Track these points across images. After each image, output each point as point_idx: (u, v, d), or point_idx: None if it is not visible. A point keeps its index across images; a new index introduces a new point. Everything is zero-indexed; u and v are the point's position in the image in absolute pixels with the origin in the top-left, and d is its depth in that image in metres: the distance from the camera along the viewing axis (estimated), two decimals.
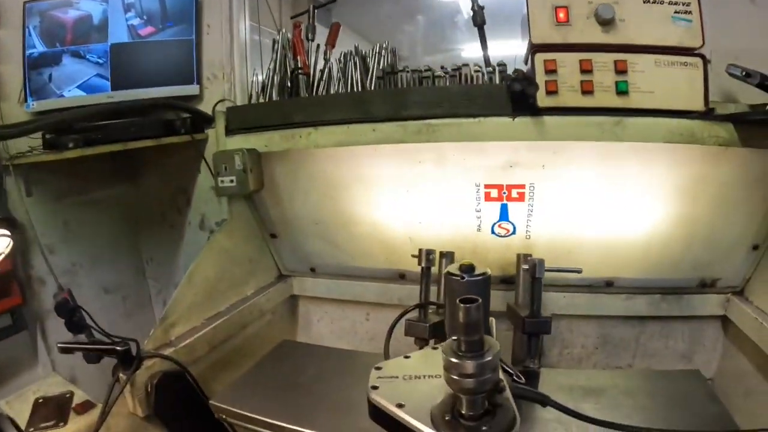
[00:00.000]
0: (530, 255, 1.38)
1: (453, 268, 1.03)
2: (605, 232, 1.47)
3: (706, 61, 1.21)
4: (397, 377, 0.98)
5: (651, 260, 1.51)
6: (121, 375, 1.24)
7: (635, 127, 1.25)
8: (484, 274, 1.02)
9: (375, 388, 0.95)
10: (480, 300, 0.75)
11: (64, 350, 1.27)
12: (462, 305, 0.74)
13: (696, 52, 1.21)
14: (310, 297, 1.93)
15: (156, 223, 2.29)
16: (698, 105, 1.22)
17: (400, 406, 0.89)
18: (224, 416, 1.25)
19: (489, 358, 0.76)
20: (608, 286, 1.59)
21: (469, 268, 1.01)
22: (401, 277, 1.73)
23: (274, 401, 1.24)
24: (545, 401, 1.01)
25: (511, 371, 1.17)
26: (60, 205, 2.02)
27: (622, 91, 1.22)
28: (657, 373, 1.38)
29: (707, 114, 1.23)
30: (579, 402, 1.20)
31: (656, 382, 1.30)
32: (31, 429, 1.44)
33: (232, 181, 1.58)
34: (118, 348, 1.27)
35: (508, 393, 0.90)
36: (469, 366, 0.75)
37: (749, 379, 1.42)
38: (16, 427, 1.49)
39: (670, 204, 1.40)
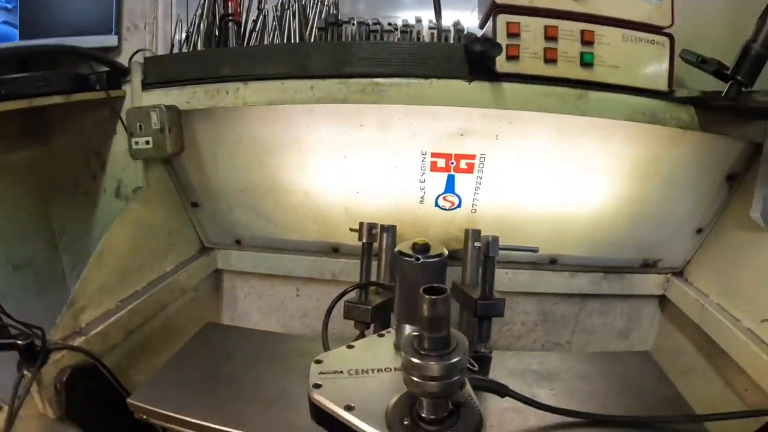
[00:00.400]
0: (479, 230, 1.30)
1: (405, 247, 0.92)
2: (554, 208, 1.42)
3: (673, 42, 1.16)
4: (341, 372, 0.86)
5: (597, 239, 1.49)
6: (25, 372, 1.05)
7: (599, 101, 1.18)
8: (441, 255, 0.91)
9: (317, 386, 0.83)
10: (448, 291, 0.64)
11: None
12: (427, 297, 0.63)
13: (664, 31, 1.16)
14: (235, 272, 1.77)
15: (68, 190, 2.02)
16: (662, 85, 1.18)
17: (349, 408, 0.77)
18: (145, 416, 1.10)
19: (457, 359, 0.65)
20: (552, 263, 1.57)
21: (423, 248, 0.90)
22: (335, 250, 1.62)
23: (200, 397, 1.10)
24: (504, 392, 0.95)
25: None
26: None
27: (587, 62, 1.14)
28: (609, 356, 1.37)
29: (670, 95, 1.19)
30: (534, 388, 1.16)
31: (609, 365, 1.28)
32: None
33: (147, 142, 1.37)
34: (18, 342, 1.05)
35: (469, 388, 0.81)
36: (435, 368, 0.64)
37: (687, 357, 1.45)
38: None
39: (622, 183, 1.37)
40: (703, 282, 1.46)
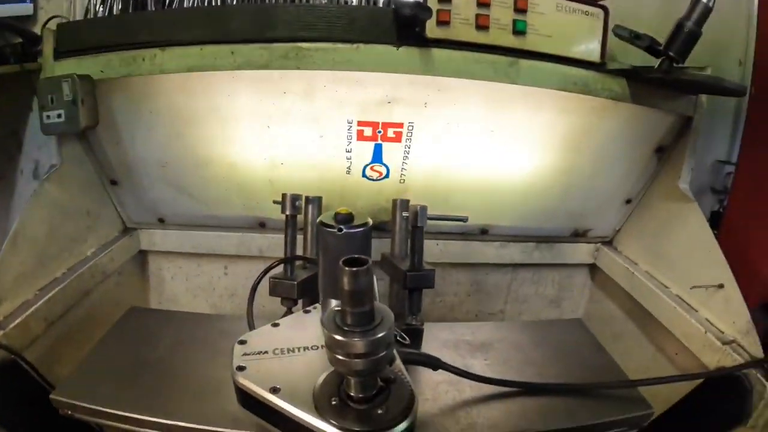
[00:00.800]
0: (407, 200, 1.27)
1: (327, 218, 0.88)
2: (484, 178, 1.42)
3: (607, 14, 1.17)
4: (266, 353, 0.83)
5: (528, 209, 1.52)
6: None
7: (530, 70, 1.17)
8: (365, 224, 0.88)
9: (241, 369, 0.79)
10: (370, 262, 0.61)
11: None
12: (347, 269, 0.59)
13: (599, 3, 1.17)
14: (160, 252, 1.69)
15: None
16: (595, 57, 1.18)
17: (274, 390, 0.74)
18: (69, 412, 1.02)
19: (383, 334, 0.63)
20: (483, 233, 1.58)
21: (346, 218, 0.87)
22: (261, 225, 1.57)
23: (126, 387, 1.03)
24: (437, 365, 0.93)
25: (396, 332, 1.07)
26: None
27: (519, 30, 1.13)
28: (542, 324, 1.39)
29: (602, 66, 1.20)
30: (468, 359, 1.15)
31: (541, 332, 1.29)
32: None
33: (59, 115, 1.24)
34: None
35: (399, 364, 0.79)
36: (359, 345, 0.62)
37: (617, 323, 1.50)
38: None
39: (553, 153, 1.38)
40: (632, 251, 1.51)
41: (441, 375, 1.00)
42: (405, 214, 1.20)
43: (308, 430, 0.70)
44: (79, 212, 1.43)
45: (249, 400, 0.78)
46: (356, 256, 0.62)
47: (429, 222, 1.20)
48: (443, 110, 1.27)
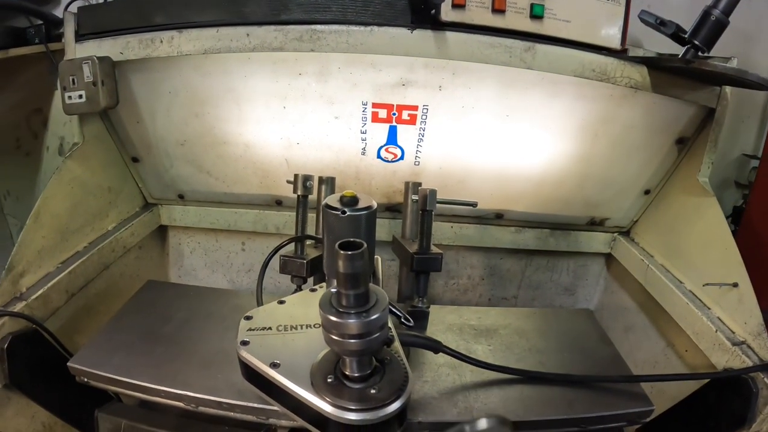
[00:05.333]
0: (420, 183, 1.27)
1: (332, 200, 0.89)
2: (499, 163, 1.41)
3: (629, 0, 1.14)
4: (270, 329, 0.86)
5: (543, 195, 1.50)
6: None
7: (546, 55, 1.16)
8: (369, 207, 0.89)
9: (245, 343, 0.82)
10: (365, 245, 0.62)
11: None
12: (342, 252, 0.60)
13: None
14: (180, 227, 1.73)
15: (10, 151, 1.95)
16: (615, 43, 1.16)
17: (274, 365, 0.77)
18: (85, 379, 1.07)
19: (376, 316, 0.64)
20: (498, 218, 1.57)
21: (351, 201, 0.88)
22: (278, 203, 1.59)
23: (139, 357, 1.07)
24: (438, 348, 0.95)
25: (399, 313, 1.08)
26: None
27: (537, 15, 1.11)
28: (549, 312, 1.36)
29: (622, 53, 1.17)
30: (471, 344, 1.16)
31: (548, 321, 1.29)
32: None
33: (80, 96, 1.29)
34: None
35: (397, 345, 0.81)
36: (353, 326, 0.63)
37: (629, 315, 1.48)
38: None
39: (570, 141, 1.36)
40: (648, 242, 1.48)
41: (443, 358, 1.02)
42: (414, 197, 1.20)
43: (304, 405, 0.72)
44: (101, 188, 1.47)
45: (251, 374, 0.80)
46: (352, 239, 0.63)
47: (443, 205, 1.20)
48: (458, 94, 1.26)
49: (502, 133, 1.34)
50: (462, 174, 1.43)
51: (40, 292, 1.18)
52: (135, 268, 1.59)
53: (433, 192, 1.14)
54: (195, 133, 1.43)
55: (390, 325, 0.82)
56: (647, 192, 1.48)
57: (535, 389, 1.01)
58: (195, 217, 1.67)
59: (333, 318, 0.64)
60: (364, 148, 1.39)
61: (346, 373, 0.72)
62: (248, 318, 0.88)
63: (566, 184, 1.45)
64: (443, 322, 1.22)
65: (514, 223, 1.58)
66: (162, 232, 1.75)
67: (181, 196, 1.64)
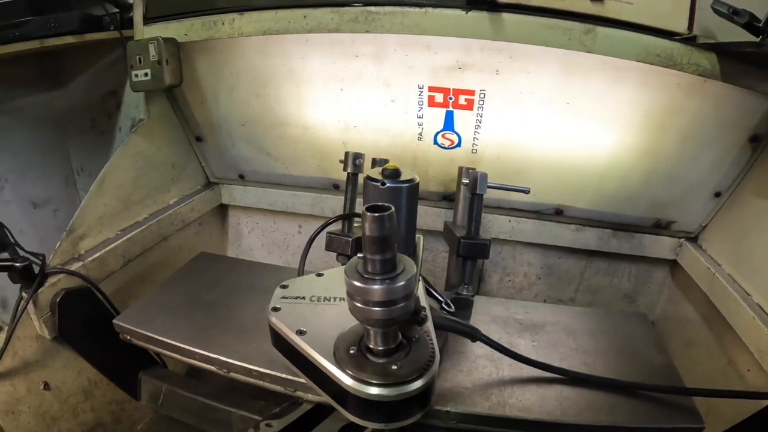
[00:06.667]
0: (473, 168, 1.23)
1: (374, 173, 0.88)
2: (560, 155, 1.34)
3: None
4: (303, 298, 0.85)
5: (606, 192, 1.40)
6: (23, 294, 1.09)
7: (608, 38, 1.10)
8: (410, 180, 0.87)
9: (276, 309, 0.83)
10: (392, 209, 0.60)
11: None
12: (369, 214, 0.59)
13: None
14: (239, 207, 1.78)
15: (85, 130, 2.10)
16: (681, 27, 1.08)
17: (300, 333, 0.77)
18: (128, 337, 1.12)
19: (401, 283, 0.61)
20: (558, 214, 1.49)
21: (393, 173, 0.86)
22: (335, 187, 1.60)
23: (180, 320, 1.11)
24: (475, 335, 0.89)
25: (441, 298, 1.05)
26: None
27: None
28: (602, 313, 1.25)
29: (690, 39, 1.08)
30: (514, 337, 1.09)
31: (600, 322, 1.19)
32: None
33: (146, 74, 1.38)
34: (16, 264, 1.09)
35: (429, 327, 0.77)
36: (377, 292, 0.61)
37: (691, 328, 1.37)
38: None
39: (633, 132, 1.27)
40: (717, 250, 1.35)
41: (482, 349, 0.98)
42: (465, 180, 1.16)
43: (327, 378, 0.71)
44: (165, 164, 1.54)
45: (279, 341, 0.81)
46: (380, 203, 0.61)
47: (502, 197, 1.15)
48: (516, 78, 1.22)
49: (563, 122, 1.28)
50: (520, 164, 1.37)
51: (97, 255, 1.26)
52: (193, 242, 1.65)
53: (484, 175, 1.10)
54: (256, 114, 1.47)
55: (424, 304, 0.80)
56: (718, 194, 1.34)
57: (575, 391, 0.94)
58: (254, 198, 1.71)
59: (357, 283, 0.62)
60: (420, 133, 1.37)
61: (370, 346, 0.70)
62: (284, 287, 0.89)
63: (631, 181, 1.36)
64: (488, 314, 1.17)
65: (574, 220, 1.50)
66: (222, 211, 1.81)
67: (241, 176, 1.68)
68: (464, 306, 1.10)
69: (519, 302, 1.24)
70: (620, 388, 0.95)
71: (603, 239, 1.50)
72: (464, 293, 1.12)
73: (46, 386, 1.18)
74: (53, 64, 1.95)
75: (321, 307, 0.84)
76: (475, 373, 0.97)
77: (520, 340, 1.09)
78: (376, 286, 0.61)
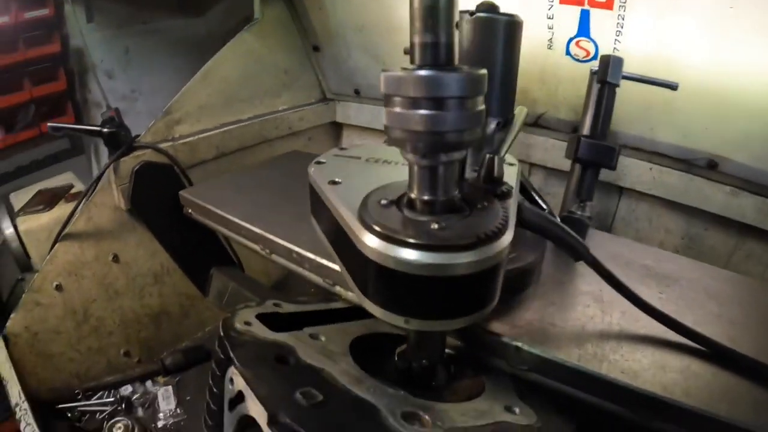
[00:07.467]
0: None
1: None
2: (719, 83, 0.98)
3: None
4: (359, 158, 0.71)
5: None
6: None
7: None
8: (510, 16, 0.69)
9: (320, 163, 0.70)
10: None
11: (54, 130, 1.17)
12: None
13: None
14: (354, 126, 1.66)
15: None
16: None
17: (333, 182, 0.61)
18: (190, 211, 1.08)
19: (459, 76, 0.43)
20: (711, 168, 1.09)
21: (488, 7, 0.67)
22: None
23: (242, 197, 1.05)
24: (580, 253, 0.63)
25: (544, 206, 0.81)
26: (121, 32, 2.05)
27: None
28: (759, 285, 0.89)
29: None
30: (636, 284, 0.73)
31: (756, 292, 0.85)
32: (20, 212, 1.46)
33: None
34: (104, 130, 1.13)
35: (512, 207, 0.55)
36: (422, 82, 0.43)
37: None
38: (10, 211, 1.50)
39: None
40: None
41: (588, 286, 0.75)
42: (593, 68, 0.91)
43: (348, 241, 0.54)
44: (277, 68, 1.48)
45: (314, 201, 0.68)
46: None
47: (644, 136, 0.86)
48: None
49: (726, 35, 0.93)
50: (669, 92, 1.00)
51: (188, 139, 1.23)
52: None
53: (618, 60, 0.86)
54: (373, 18, 1.36)
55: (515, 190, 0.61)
56: None
57: (706, 369, 0.63)
58: (369, 116, 1.60)
59: (391, 73, 0.44)
60: (551, 39, 1.12)
61: (412, 195, 0.51)
62: (342, 148, 0.77)
63: None
64: (606, 250, 0.89)
65: (730, 179, 1.08)
66: (336, 130, 1.72)
67: (357, 92, 1.58)
68: (577, 228, 0.77)
69: (649, 247, 0.95)
70: None
71: (764, 211, 1.06)
72: (578, 213, 0.87)
73: (116, 258, 1.18)
74: None
75: (372, 167, 0.69)
76: (570, 311, 0.71)
77: (643, 287, 0.79)
78: (422, 73, 0.43)
